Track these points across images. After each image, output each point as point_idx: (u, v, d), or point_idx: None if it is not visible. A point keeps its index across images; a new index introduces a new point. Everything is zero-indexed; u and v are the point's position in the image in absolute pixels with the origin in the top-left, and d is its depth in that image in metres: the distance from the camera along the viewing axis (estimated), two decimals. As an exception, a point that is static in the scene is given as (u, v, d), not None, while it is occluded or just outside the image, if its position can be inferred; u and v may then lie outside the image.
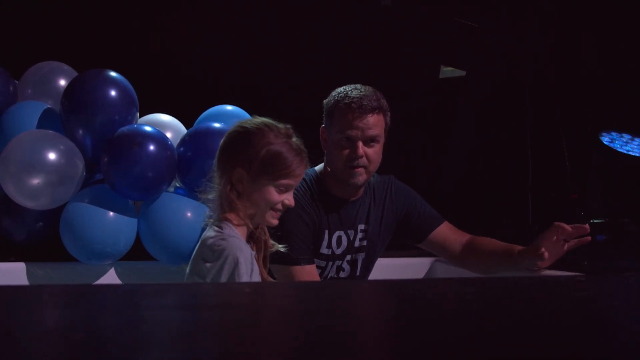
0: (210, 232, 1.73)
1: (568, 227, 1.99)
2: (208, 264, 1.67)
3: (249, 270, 1.65)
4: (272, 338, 0.62)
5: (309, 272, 2.08)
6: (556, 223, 2.01)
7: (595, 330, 0.67)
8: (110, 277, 2.52)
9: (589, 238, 2.00)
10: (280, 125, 1.78)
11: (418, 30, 3.52)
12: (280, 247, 1.84)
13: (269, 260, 1.89)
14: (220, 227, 1.72)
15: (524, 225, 3.36)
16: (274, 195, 1.75)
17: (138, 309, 0.78)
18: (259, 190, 1.74)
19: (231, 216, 1.75)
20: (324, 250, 2.17)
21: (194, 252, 1.79)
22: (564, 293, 0.90)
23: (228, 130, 1.83)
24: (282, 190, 1.76)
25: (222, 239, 1.68)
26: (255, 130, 1.75)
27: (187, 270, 1.80)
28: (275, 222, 1.80)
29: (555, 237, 2.01)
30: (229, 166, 1.74)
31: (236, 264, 1.63)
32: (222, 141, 1.81)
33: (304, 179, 2.16)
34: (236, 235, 1.71)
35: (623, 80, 3.25)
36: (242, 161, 1.73)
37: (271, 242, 1.84)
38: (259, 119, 1.80)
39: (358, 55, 3.52)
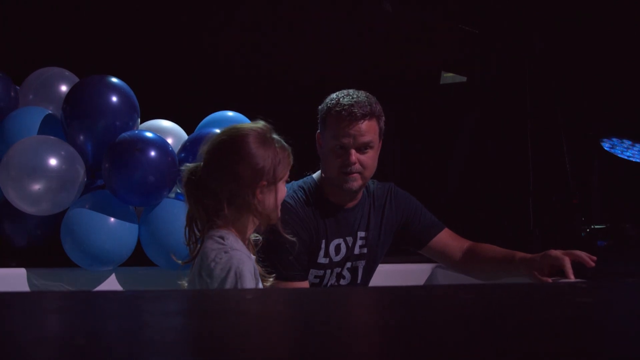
0: (211, 244, 1.68)
1: (570, 275, 1.96)
2: (210, 279, 1.64)
3: (253, 283, 1.64)
4: (273, 345, 0.62)
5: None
6: (565, 263, 1.97)
7: (597, 336, 0.67)
8: (111, 283, 2.52)
9: (593, 264, 1.97)
10: (264, 127, 1.76)
11: (419, 36, 3.53)
12: (254, 235, 1.83)
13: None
14: (222, 238, 1.68)
15: (525, 230, 3.35)
16: (283, 190, 1.80)
17: (139, 315, 0.78)
18: (275, 193, 1.76)
19: (234, 225, 1.73)
20: (322, 259, 2.16)
21: (194, 264, 1.75)
22: (565, 299, 0.90)
23: (224, 141, 1.73)
24: (284, 182, 1.81)
25: (225, 252, 1.65)
26: (257, 140, 1.72)
27: (187, 283, 1.77)
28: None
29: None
30: (249, 180, 1.70)
31: (239, 278, 1.60)
32: (226, 155, 1.72)
33: (302, 188, 2.16)
34: (239, 248, 1.68)
35: (624, 85, 3.25)
36: (260, 175, 1.71)
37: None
38: (249, 126, 1.76)
39: (358, 60, 3.53)
